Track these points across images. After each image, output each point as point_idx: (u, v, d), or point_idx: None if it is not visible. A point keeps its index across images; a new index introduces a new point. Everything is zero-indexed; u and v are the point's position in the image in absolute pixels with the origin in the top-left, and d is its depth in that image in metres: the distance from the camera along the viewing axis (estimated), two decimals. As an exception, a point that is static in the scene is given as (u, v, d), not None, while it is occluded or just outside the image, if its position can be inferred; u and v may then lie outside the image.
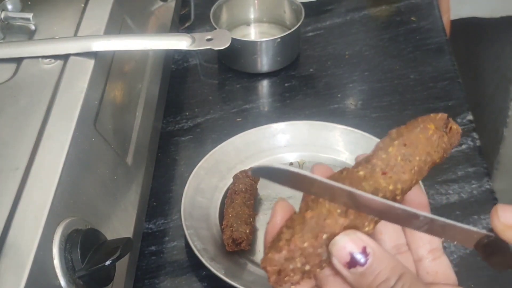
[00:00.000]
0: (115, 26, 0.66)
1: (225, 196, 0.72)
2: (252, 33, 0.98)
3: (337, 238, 0.30)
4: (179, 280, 0.66)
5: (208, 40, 0.63)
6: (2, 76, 0.58)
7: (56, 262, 0.45)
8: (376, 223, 0.32)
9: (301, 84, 0.90)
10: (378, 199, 0.30)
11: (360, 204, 0.30)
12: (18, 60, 0.59)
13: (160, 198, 0.74)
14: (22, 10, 0.66)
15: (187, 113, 0.86)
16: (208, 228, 0.69)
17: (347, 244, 0.30)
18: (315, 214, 0.31)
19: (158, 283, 0.66)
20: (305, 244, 0.30)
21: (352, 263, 0.30)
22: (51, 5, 0.67)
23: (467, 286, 0.61)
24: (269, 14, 0.98)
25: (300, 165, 0.76)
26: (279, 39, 0.87)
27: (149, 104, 0.71)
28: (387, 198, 0.31)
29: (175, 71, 0.93)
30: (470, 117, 0.81)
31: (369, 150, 0.34)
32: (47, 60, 0.59)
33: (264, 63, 0.90)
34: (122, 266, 0.56)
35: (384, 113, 0.83)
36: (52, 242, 0.45)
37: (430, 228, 0.31)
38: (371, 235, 0.31)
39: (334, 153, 0.75)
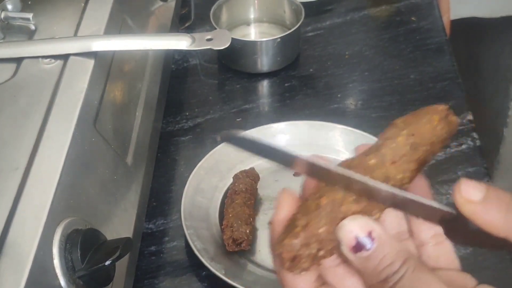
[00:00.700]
0: (115, 26, 0.66)
1: (225, 196, 0.72)
2: (252, 33, 0.98)
3: (344, 222, 0.31)
4: (179, 280, 0.66)
5: (208, 40, 0.63)
6: (2, 76, 0.58)
7: (56, 262, 0.45)
8: (382, 211, 0.32)
9: (301, 84, 0.90)
10: (394, 189, 0.31)
11: (375, 194, 0.31)
12: (18, 60, 0.59)
13: (160, 198, 0.74)
14: (22, 10, 0.66)
15: (187, 113, 0.86)
16: (208, 228, 0.69)
17: (354, 228, 0.31)
18: (330, 200, 0.31)
19: (158, 283, 0.66)
20: (321, 230, 0.31)
21: (358, 247, 0.30)
22: (51, 5, 0.67)
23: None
24: (269, 14, 0.98)
25: (300, 165, 0.76)
26: (279, 39, 0.87)
27: (149, 104, 0.71)
28: (396, 187, 0.32)
29: (175, 71, 0.93)
30: (470, 117, 0.81)
31: (369, 150, 0.35)
32: (47, 60, 0.59)
33: (264, 63, 0.90)
34: (122, 266, 0.56)
35: (384, 113, 0.83)
36: (52, 242, 0.45)
37: (394, 202, 0.32)
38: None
39: (334, 153, 0.75)
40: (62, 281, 0.45)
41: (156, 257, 0.68)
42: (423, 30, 0.97)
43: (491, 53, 1.37)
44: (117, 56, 0.64)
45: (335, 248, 0.32)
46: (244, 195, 0.69)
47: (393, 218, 0.35)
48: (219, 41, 0.63)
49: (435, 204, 0.32)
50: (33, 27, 0.64)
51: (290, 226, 0.32)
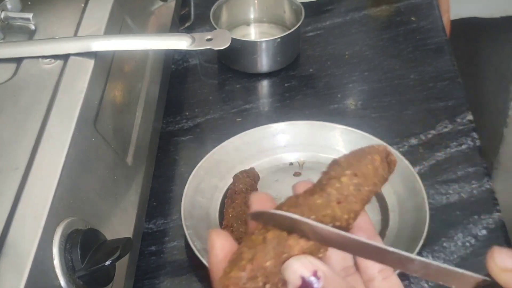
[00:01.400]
0: (115, 26, 0.66)
1: (225, 196, 0.72)
2: (252, 33, 0.98)
3: (289, 262, 0.31)
4: (179, 280, 0.66)
5: (208, 40, 0.63)
6: (2, 76, 0.58)
7: (56, 262, 0.45)
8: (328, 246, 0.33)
9: (301, 84, 0.90)
10: (352, 236, 0.31)
11: (323, 237, 0.31)
12: (18, 60, 0.59)
13: (160, 198, 0.74)
14: (22, 10, 0.66)
15: (187, 113, 0.86)
16: (208, 228, 0.69)
17: (299, 268, 0.31)
18: (276, 234, 0.32)
19: (158, 283, 0.66)
20: (268, 263, 0.31)
21: (304, 286, 0.31)
22: (51, 5, 0.67)
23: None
24: (269, 14, 0.98)
25: (300, 165, 0.77)
26: (279, 39, 0.87)
27: (149, 104, 0.71)
28: (342, 227, 0.32)
29: (175, 71, 0.93)
30: (470, 117, 0.81)
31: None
32: (47, 60, 0.59)
33: (264, 63, 0.90)
34: (122, 266, 0.56)
35: (384, 113, 0.83)
36: (52, 242, 0.45)
37: (426, 272, 0.31)
38: (321, 259, 0.32)
39: (334, 153, 0.75)
40: (62, 281, 0.45)
41: (156, 257, 0.68)
42: (423, 30, 0.97)
43: (491, 53, 1.38)
44: (117, 56, 0.64)
45: (283, 281, 0.32)
46: (244, 195, 0.69)
47: (338, 253, 0.35)
48: (219, 41, 0.62)
49: (467, 273, 0.31)
50: (33, 27, 0.64)
51: (236, 259, 0.32)
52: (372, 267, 0.35)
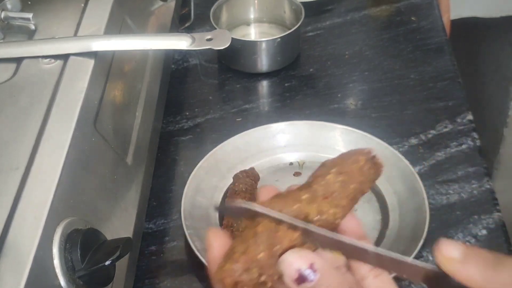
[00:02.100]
0: (115, 26, 0.66)
1: (225, 196, 0.72)
2: (252, 33, 0.98)
3: (285, 255, 0.32)
4: (179, 280, 0.66)
5: (208, 40, 0.63)
6: (2, 76, 0.58)
7: (56, 262, 0.45)
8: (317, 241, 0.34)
9: (301, 84, 0.90)
10: (330, 233, 0.33)
11: (309, 235, 0.33)
12: (18, 60, 0.59)
13: (160, 198, 0.74)
14: (22, 10, 0.66)
15: (187, 113, 0.86)
16: (208, 228, 0.69)
17: (295, 261, 0.32)
18: (266, 228, 0.33)
19: (158, 283, 0.66)
20: (260, 256, 0.32)
21: (300, 279, 0.31)
22: (51, 5, 0.67)
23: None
24: (269, 14, 0.98)
25: (300, 165, 0.77)
26: (279, 39, 0.87)
27: (149, 104, 0.71)
28: (329, 221, 0.33)
29: (175, 71, 0.93)
30: (470, 117, 0.81)
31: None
32: (47, 60, 0.59)
33: (264, 63, 0.90)
34: (122, 266, 0.56)
35: (384, 113, 0.83)
36: (52, 242, 0.45)
37: (381, 263, 0.33)
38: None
39: (334, 153, 0.74)
40: (62, 281, 0.45)
41: (157, 257, 0.68)
42: (423, 30, 0.97)
43: (491, 53, 1.38)
44: (117, 56, 0.64)
45: (278, 272, 0.32)
46: (244, 195, 0.69)
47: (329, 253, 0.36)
48: (219, 41, 0.62)
49: (418, 263, 0.33)
50: (33, 27, 0.64)
51: (229, 253, 0.33)
52: (363, 266, 0.36)
